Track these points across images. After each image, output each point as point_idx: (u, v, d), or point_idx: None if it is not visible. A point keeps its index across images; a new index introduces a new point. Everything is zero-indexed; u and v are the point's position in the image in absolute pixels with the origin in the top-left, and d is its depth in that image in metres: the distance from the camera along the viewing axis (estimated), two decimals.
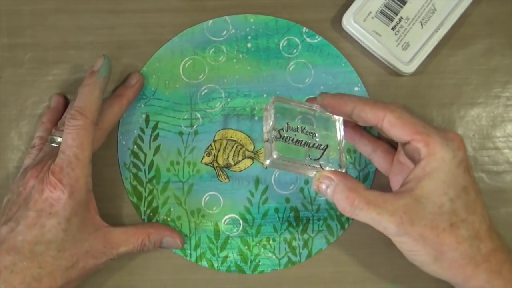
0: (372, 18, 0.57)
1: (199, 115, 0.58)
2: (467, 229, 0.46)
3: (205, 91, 0.59)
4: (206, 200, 0.58)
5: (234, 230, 0.58)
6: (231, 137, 0.58)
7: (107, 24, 0.60)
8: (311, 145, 0.51)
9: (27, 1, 0.60)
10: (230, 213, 0.58)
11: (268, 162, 0.50)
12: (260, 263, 0.57)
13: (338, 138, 0.52)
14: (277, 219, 0.58)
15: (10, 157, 0.59)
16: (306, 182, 0.58)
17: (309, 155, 0.51)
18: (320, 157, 0.51)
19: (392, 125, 0.47)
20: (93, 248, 0.51)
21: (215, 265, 0.57)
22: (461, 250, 0.46)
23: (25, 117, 0.59)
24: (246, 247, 0.57)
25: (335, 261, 0.57)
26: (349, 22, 0.57)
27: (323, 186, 0.48)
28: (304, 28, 0.59)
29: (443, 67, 0.59)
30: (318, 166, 0.50)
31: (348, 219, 0.57)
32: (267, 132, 0.51)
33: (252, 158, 0.58)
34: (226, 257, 0.57)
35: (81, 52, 0.60)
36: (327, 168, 0.50)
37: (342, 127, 0.52)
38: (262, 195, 0.58)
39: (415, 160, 0.48)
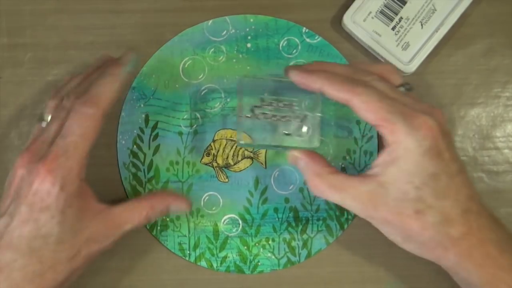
0: (372, 18, 0.57)
1: (198, 115, 0.58)
2: (434, 216, 0.46)
3: (205, 91, 0.59)
4: (205, 200, 0.58)
5: (234, 230, 0.58)
6: (231, 137, 0.58)
7: (107, 24, 0.60)
8: (286, 118, 0.52)
9: (27, 1, 0.60)
10: (230, 213, 0.58)
11: (239, 144, 0.52)
12: (259, 263, 0.57)
13: (316, 104, 0.52)
14: (277, 219, 0.58)
15: (10, 157, 0.59)
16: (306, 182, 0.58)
17: (284, 130, 0.51)
18: (297, 129, 0.52)
19: (358, 109, 0.46)
20: (94, 234, 0.49)
21: (214, 265, 0.57)
22: (427, 235, 0.46)
23: (25, 117, 0.59)
24: (246, 247, 0.57)
25: (335, 261, 0.57)
26: (349, 22, 0.57)
27: (297, 165, 0.50)
28: (304, 28, 0.59)
29: (443, 67, 0.59)
30: (291, 145, 0.52)
31: (347, 219, 0.57)
32: (237, 114, 0.52)
33: (252, 158, 0.58)
34: (225, 257, 0.57)
35: (81, 52, 0.59)
36: (301, 140, 0.51)
37: (320, 96, 0.51)
38: (262, 195, 0.58)
39: (383, 143, 0.47)
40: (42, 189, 0.46)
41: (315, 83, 0.48)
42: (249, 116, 0.52)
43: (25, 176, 0.47)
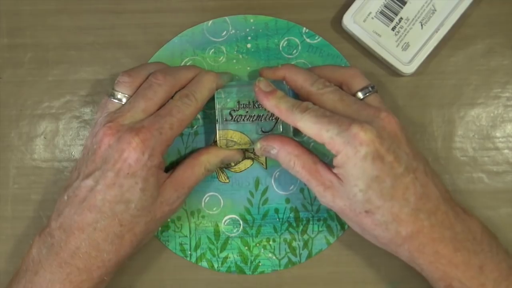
0: (372, 18, 0.57)
1: (199, 116, 0.58)
2: (382, 215, 0.48)
3: None
4: (206, 200, 0.58)
5: (234, 231, 0.58)
6: (231, 137, 0.58)
7: (107, 24, 0.60)
8: (263, 117, 0.55)
9: (27, 2, 0.60)
10: (230, 214, 0.58)
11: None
12: (260, 264, 0.57)
13: None
14: (277, 219, 0.58)
15: (10, 157, 0.59)
16: None
17: (261, 129, 0.54)
18: (273, 128, 0.55)
19: (303, 131, 0.50)
20: (166, 197, 0.52)
21: (215, 265, 0.57)
22: (378, 231, 0.49)
23: (25, 117, 0.59)
24: (246, 247, 0.58)
25: (335, 262, 0.57)
26: (349, 23, 0.57)
27: (269, 151, 0.53)
28: (304, 28, 0.59)
29: (443, 67, 0.59)
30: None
31: None
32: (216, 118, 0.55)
33: (252, 159, 0.58)
34: (226, 257, 0.57)
35: (81, 52, 0.60)
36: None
37: (291, 95, 0.54)
38: (262, 195, 0.58)
39: None
40: (132, 156, 0.49)
41: (266, 106, 0.52)
42: (228, 120, 0.55)
43: (113, 144, 0.49)
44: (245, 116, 0.55)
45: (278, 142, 0.53)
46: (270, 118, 0.55)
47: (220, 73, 0.56)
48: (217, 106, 0.55)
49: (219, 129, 0.55)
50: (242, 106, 0.55)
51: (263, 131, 0.55)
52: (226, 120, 0.55)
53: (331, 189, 0.50)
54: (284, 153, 0.52)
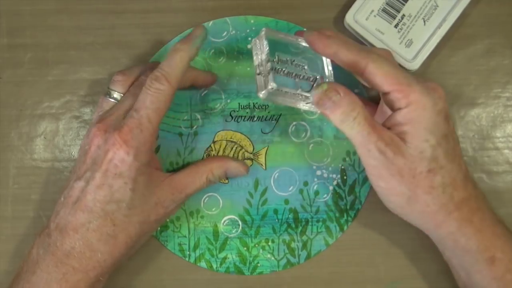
0: (375, 16, 0.57)
1: (198, 116, 0.58)
2: (443, 176, 0.47)
3: (205, 92, 0.59)
4: (205, 201, 0.58)
5: (233, 231, 0.58)
6: (231, 138, 0.58)
7: (107, 24, 0.60)
8: (301, 77, 0.51)
9: (27, 2, 0.60)
10: (229, 214, 0.58)
11: (262, 94, 0.49)
12: (259, 264, 0.57)
13: (326, 71, 0.52)
14: (276, 220, 0.58)
15: (10, 157, 0.59)
16: (306, 183, 0.58)
17: (300, 87, 0.50)
18: (311, 88, 0.51)
19: (374, 75, 0.47)
20: (161, 200, 0.52)
21: (214, 266, 0.57)
22: (434, 194, 0.48)
23: (25, 117, 0.59)
24: (245, 248, 0.58)
25: (334, 263, 0.57)
26: (351, 22, 0.57)
27: (331, 97, 0.47)
28: (305, 29, 0.59)
29: (443, 68, 0.59)
30: (310, 99, 0.50)
31: (347, 221, 0.57)
32: (259, 65, 0.50)
33: (252, 160, 0.58)
34: (225, 258, 0.58)
35: (81, 52, 0.60)
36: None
37: (329, 60, 0.52)
38: (261, 196, 0.58)
39: (394, 108, 0.48)
40: (117, 157, 0.49)
41: (330, 47, 0.49)
42: (273, 67, 0.49)
43: (101, 145, 0.50)
44: (284, 70, 0.50)
45: (343, 88, 0.47)
46: (307, 79, 0.51)
47: (193, 34, 0.52)
48: (257, 57, 0.51)
49: (270, 76, 0.49)
50: (280, 60, 0.50)
51: (302, 89, 0.50)
52: (271, 69, 0.49)
53: (391, 146, 0.47)
54: (349, 100, 0.47)
